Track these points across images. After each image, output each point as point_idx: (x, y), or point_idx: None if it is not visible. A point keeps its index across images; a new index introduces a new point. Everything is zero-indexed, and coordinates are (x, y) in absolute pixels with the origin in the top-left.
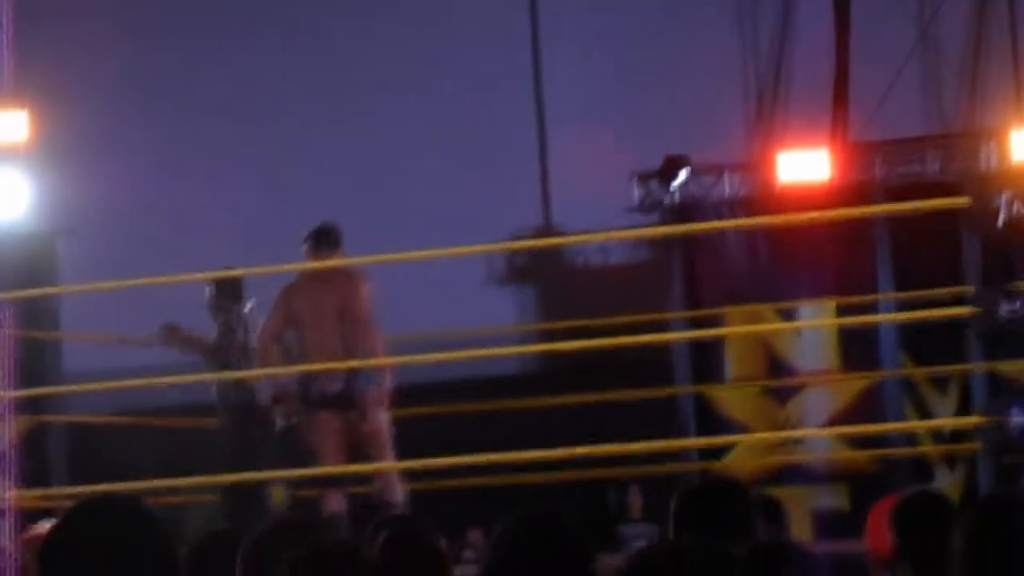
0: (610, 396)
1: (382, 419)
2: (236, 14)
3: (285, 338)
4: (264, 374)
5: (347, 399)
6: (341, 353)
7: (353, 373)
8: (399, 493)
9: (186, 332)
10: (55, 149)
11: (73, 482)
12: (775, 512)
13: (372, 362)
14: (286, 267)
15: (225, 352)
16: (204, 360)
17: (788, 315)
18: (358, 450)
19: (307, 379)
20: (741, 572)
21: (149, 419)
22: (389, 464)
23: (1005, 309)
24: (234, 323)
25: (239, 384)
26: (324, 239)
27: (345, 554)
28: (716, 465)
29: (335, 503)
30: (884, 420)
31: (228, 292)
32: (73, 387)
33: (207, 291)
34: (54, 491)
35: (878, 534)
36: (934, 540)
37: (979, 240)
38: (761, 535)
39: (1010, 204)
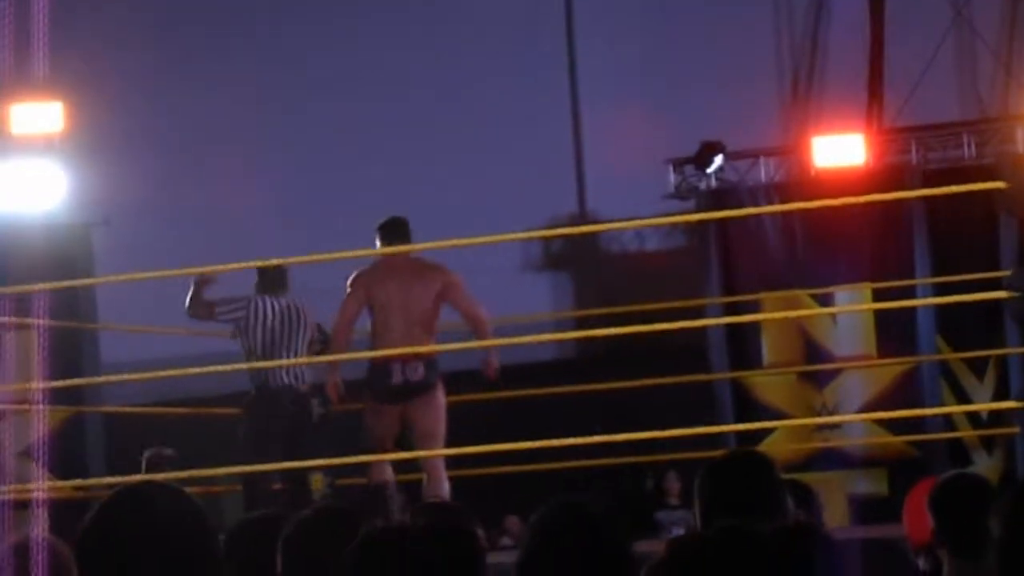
0: (647, 382)
1: (443, 409)
2: (268, 5)
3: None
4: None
5: (422, 385)
6: (423, 342)
7: (432, 362)
8: (446, 486)
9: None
10: (90, 140)
11: (111, 472)
12: (804, 496)
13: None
14: (335, 255)
15: (246, 337)
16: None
17: (824, 300)
18: (407, 439)
19: (386, 369)
20: (770, 555)
21: (186, 408)
22: (434, 452)
23: None
24: (266, 311)
25: (257, 371)
26: (398, 231)
27: (392, 542)
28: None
29: (383, 472)
30: (921, 405)
31: (269, 281)
32: (110, 377)
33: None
34: (92, 481)
35: (916, 518)
36: (973, 524)
37: (1016, 224)
38: (791, 515)
39: None
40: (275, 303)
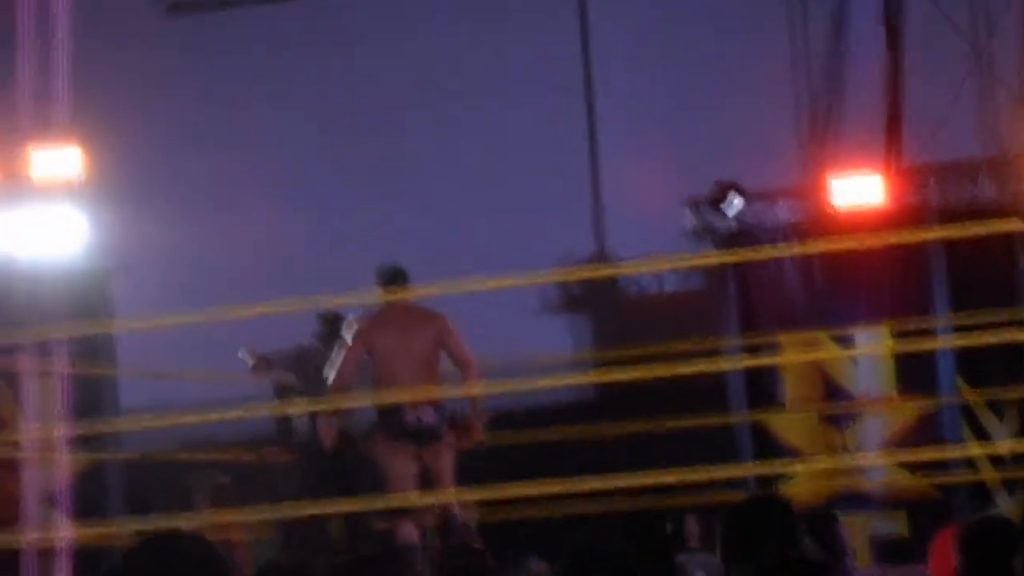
0: (666, 424)
1: (453, 453)
2: (287, 53)
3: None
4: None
5: (435, 431)
6: (423, 384)
7: (441, 407)
8: (472, 513)
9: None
10: (109, 186)
11: (131, 517)
12: (825, 529)
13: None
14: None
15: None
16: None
17: (844, 340)
18: (425, 481)
19: (398, 410)
20: None
21: (206, 452)
22: (457, 495)
23: None
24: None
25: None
26: (398, 279)
27: None
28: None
29: (408, 533)
30: (942, 445)
31: (331, 329)
32: (130, 422)
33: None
34: (113, 526)
35: (942, 561)
36: (1000, 565)
37: None
38: (807, 552)
39: None
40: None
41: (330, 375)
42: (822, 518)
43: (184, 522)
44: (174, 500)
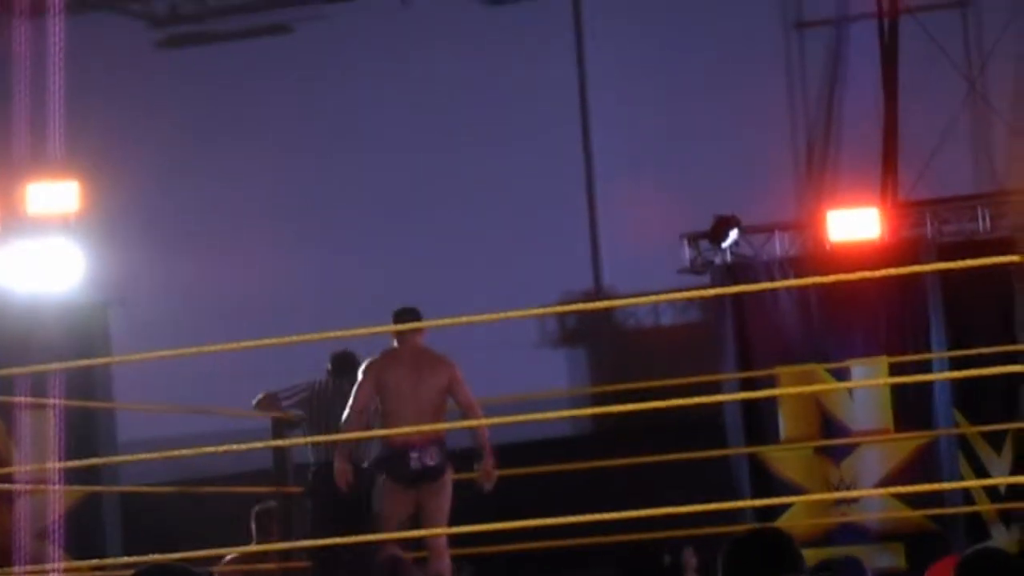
0: (663, 458)
1: (450, 491)
2: (286, 86)
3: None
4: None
5: (437, 471)
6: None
7: (443, 446)
8: (448, 563)
9: (284, 399)
10: (106, 220)
11: (127, 552)
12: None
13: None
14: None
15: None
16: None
17: (840, 374)
18: (415, 518)
19: (403, 453)
20: None
21: (203, 487)
22: (451, 530)
23: None
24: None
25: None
26: (408, 315)
27: None
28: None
29: (395, 547)
30: (939, 478)
31: (341, 368)
32: (127, 457)
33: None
34: (108, 561)
35: None
36: None
37: None
38: None
39: None
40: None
41: (344, 413)
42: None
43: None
44: (171, 534)
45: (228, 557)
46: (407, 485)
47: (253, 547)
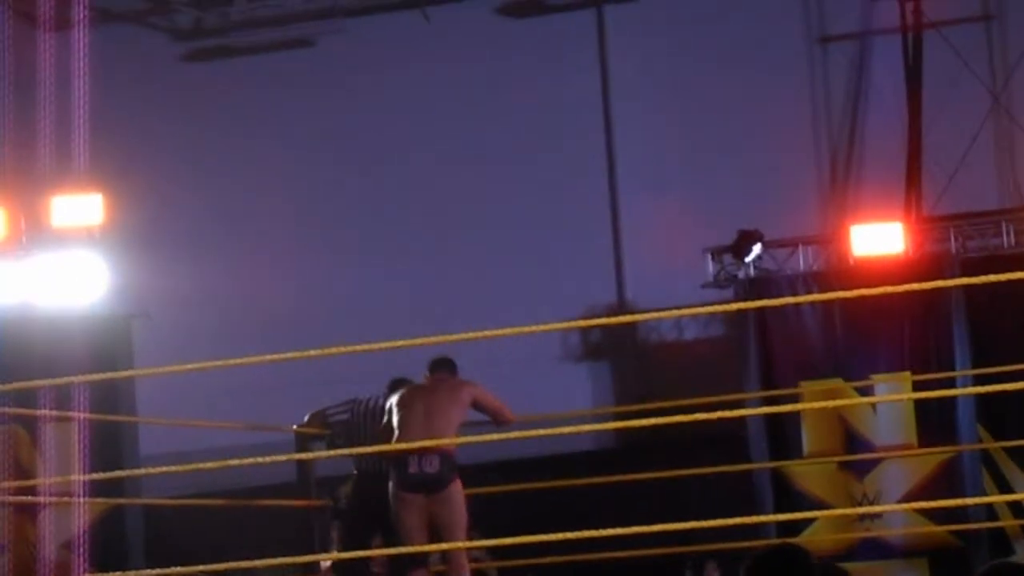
0: (686, 472)
1: (461, 503)
2: (310, 100)
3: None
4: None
5: (439, 480)
6: (434, 435)
7: (447, 457)
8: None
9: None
10: (130, 233)
11: (150, 565)
12: None
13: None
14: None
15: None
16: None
17: (864, 390)
18: (435, 531)
19: (404, 460)
20: None
21: (226, 501)
22: (475, 544)
23: None
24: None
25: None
26: (445, 365)
27: None
28: (794, 540)
29: None
30: (962, 494)
31: (393, 389)
32: (150, 469)
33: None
34: (131, 574)
35: None
36: None
37: None
38: None
39: None
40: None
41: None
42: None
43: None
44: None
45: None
46: (409, 492)
47: (281, 559)
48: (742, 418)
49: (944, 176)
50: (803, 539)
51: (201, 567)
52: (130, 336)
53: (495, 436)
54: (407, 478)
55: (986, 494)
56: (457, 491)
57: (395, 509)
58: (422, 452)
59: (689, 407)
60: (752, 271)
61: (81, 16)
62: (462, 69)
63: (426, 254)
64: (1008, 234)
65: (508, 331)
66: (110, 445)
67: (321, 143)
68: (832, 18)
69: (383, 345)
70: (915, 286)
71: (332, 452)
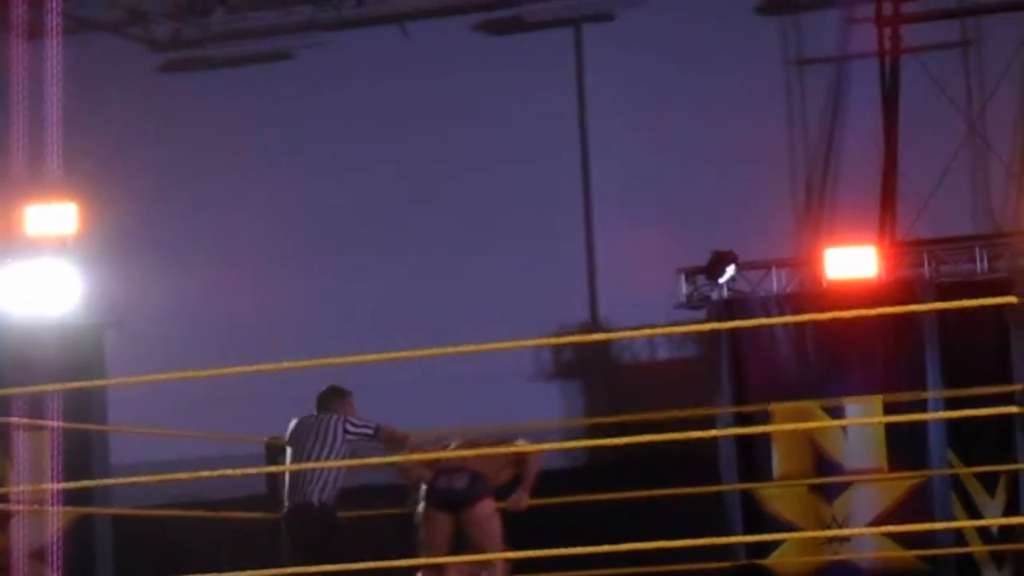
0: (656, 492)
1: (492, 517)
2: (284, 112)
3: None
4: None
5: (467, 496)
6: (472, 460)
7: (477, 475)
8: None
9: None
10: (103, 242)
11: (119, 574)
12: None
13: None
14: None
15: None
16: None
17: (835, 412)
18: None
19: (434, 477)
20: None
21: (195, 511)
22: (447, 560)
23: None
24: None
25: None
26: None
27: None
28: (763, 563)
29: None
30: (932, 519)
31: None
32: (119, 480)
33: None
34: None
35: None
36: None
37: None
38: None
39: None
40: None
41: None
42: None
43: None
44: (162, 558)
45: None
46: (441, 509)
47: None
48: (713, 438)
49: (919, 201)
50: (772, 561)
51: None
52: (102, 346)
53: (465, 453)
54: (436, 492)
55: (955, 519)
56: (488, 508)
57: (423, 526)
58: (452, 469)
59: (660, 424)
60: (725, 292)
61: (54, 24)
62: (440, 84)
63: (398, 269)
64: (981, 260)
65: (479, 347)
66: (80, 454)
67: (296, 155)
68: (809, 41)
69: (354, 359)
70: (888, 310)
71: (302, 465)
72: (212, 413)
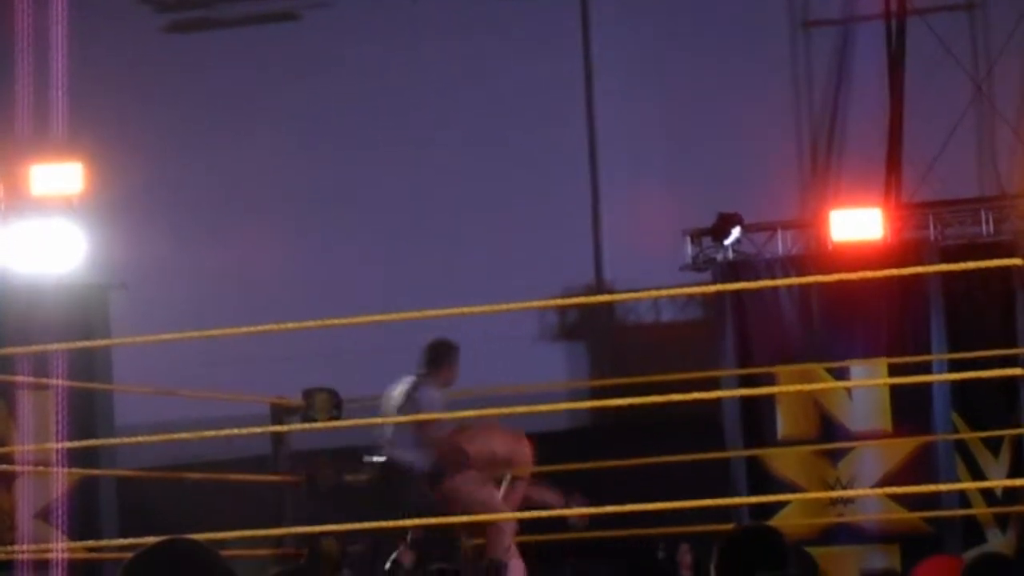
0: (660, 459)
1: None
2: (290, 73)
3: None
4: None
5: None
6: None
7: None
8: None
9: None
10: (109, 202)
11: (123, 535)
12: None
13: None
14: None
15: None
16: None
17: (840, 374)
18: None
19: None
20: None
21: (200, 472)
22: (445, 520)
23: None
24: None
25: None
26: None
27: None
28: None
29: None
30: (936, 481)
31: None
32: (124, 439)
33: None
34: (104, 543)
35: None
36: None
37: None
38: None
39: None
40: None
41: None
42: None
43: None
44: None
45: None
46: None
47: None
48: (718, 400)
49: (924, 163)
50: (776, 522)
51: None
52: (107, 306)
53: (469, 413)
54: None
55: (959, 481)
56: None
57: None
58: None
59: (665, 386)
60: (731, 254)
61: None
62: (446, 48)
63: (405, 231)
64: (987, 222)
65: (484, 308)
66: (85, 414)
67: (302, 117)
68: (815, 3)
69: (360, 319)
70: (893, 272)
71: (307, 425)
72: (217, 373)
